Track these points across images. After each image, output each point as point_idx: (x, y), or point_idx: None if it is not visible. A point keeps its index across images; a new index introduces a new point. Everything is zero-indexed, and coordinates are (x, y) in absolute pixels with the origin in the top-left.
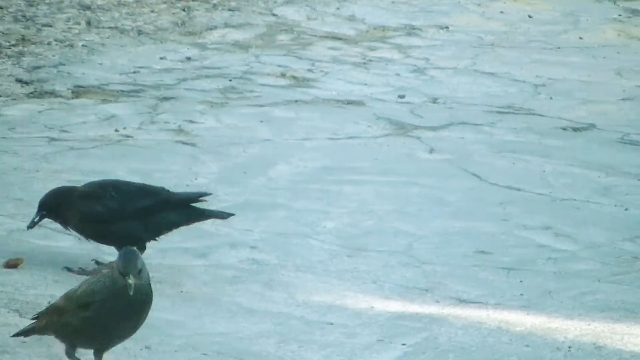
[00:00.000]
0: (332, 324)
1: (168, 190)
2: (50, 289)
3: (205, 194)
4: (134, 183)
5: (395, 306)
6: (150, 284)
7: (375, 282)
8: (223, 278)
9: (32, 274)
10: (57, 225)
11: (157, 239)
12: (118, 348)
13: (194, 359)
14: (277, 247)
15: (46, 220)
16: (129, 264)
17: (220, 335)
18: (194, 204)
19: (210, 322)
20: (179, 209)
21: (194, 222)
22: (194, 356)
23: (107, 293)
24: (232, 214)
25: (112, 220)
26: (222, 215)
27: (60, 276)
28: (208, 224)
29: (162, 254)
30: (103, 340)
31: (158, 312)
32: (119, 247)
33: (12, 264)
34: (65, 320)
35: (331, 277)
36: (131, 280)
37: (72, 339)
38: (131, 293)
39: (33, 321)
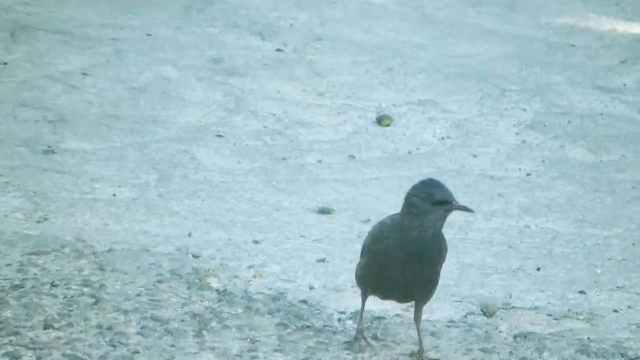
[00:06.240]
0: (574, 45)
1: None
2: (293, 11)
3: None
4: None
5: (638, 28)
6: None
7: (617, 5)
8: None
9: None
10: None
11: None
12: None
13: (435, 81)
14: None
15: None
16: (444, 189)
17: (463, 57)
18: None
19: (452, 45)
20: None
21: None
22: (436, 77)
23: (390, 238)
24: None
25: None
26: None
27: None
28: None
29: None
30: (385, 290)
31: (400, 34)
32: None
33: None
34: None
35: None
36: (456, 204)
37: (360, 284)
38: (471, 210)
39: None
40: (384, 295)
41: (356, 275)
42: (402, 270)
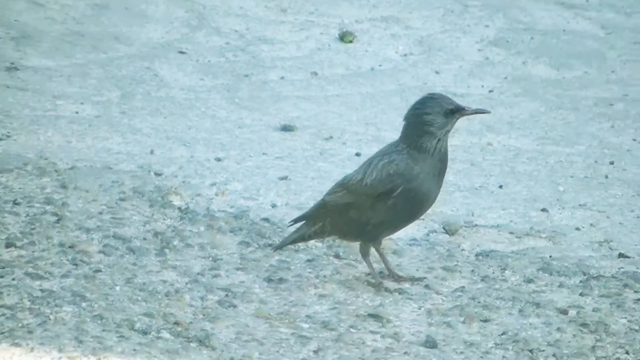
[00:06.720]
0: None
1: None
2: None
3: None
4: None
5: None
6: None
7: None
8: None
9: None
10: None
11: None
12: None
13: None
14: None
15: None
16: (450, 99)
17: None
18: None
19: None
20: None
21: None
22: None
23: (422, 171)
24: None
25: None
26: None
27: None
28: None
29: None
30: (402, 224)
31: None
32: None
33: None
34: (359, 218)
35: None
36: (469, 109)
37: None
38: (487, 111)
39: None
40: (394, 232)
41: (369, 230)
42: (435, 191)
